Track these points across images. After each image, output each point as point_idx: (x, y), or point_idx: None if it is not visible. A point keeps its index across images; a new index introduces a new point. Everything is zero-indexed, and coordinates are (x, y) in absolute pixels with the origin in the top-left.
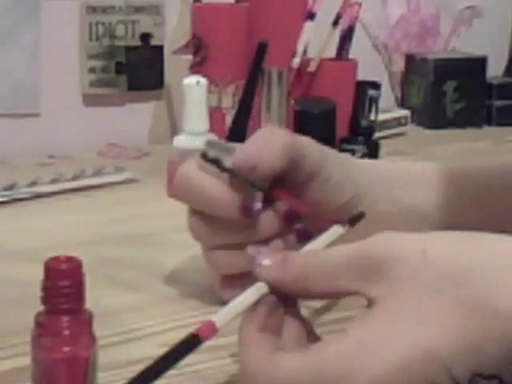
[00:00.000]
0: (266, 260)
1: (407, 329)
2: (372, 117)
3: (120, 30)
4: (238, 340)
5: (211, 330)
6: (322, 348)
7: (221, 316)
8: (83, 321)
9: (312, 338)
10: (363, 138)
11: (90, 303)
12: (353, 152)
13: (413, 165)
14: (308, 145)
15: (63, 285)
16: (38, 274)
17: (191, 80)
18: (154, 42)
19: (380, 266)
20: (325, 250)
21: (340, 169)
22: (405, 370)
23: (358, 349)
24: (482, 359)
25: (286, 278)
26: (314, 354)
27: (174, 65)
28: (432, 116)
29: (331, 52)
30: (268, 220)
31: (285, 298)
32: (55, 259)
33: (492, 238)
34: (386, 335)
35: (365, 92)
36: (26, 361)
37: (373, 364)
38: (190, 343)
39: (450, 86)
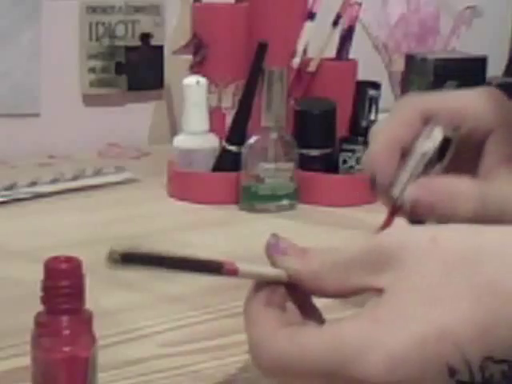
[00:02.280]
0: (285, 248)
1: (421, 308)
2: (372, 117)
3: (120, 30)
4: (244, 316)
5: (234, 269)
6: (336, 324)
7: (244, 266)
8: (83, 321)
9: (313, 312)
10: (363, 138)
11: (89, 303)
12: (353, 152)
13: None
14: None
15: (63, 285)
16: (38, 274)
17: (191, 80)
18: (154, 42)
19: (389, 257)
20: (339, 247)
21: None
22: (420, 348)
23: (375, 325)
24: (494, 343)
25: (302, 271)
26: (330, 329)
27: (174, 65)
28: None
29: (331, 52)
30: None
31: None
32: (55, 259)
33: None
34: (401, 314)
35: (365, 92)
36: (26, 361)
37: (390, 340)
38: (212, 266)
39: (450, 86)
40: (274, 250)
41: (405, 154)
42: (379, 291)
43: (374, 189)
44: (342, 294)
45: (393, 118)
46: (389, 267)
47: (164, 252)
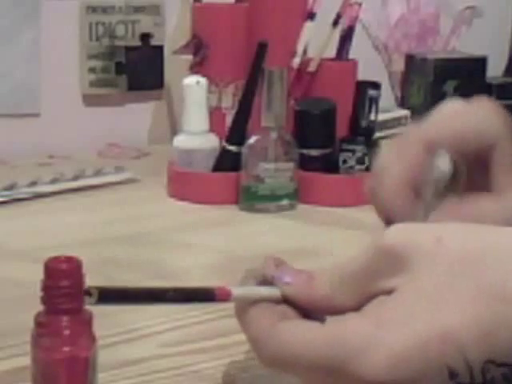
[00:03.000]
0: (290, 279)
1: (425, 310)
2: (372, 117)
3: (120, 30)
4: (238, 317)
5: (226, 293)
6: (339, 321)
7: (239, 290)
8: (83, 321)
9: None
10: (363, 138)
11: None
12: (353, 152)
13: None
14: None
15: (63, 285)
16: (38, 274)
17: (191, 80)
18: (154, 42)
19: (397, 259)
20: (343, 261)
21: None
22: (422, 349)
23: (379, 325)
24: (497, 345)
25: (314, 297)
26: (333, 325)
27: (174, 65)
28: None
29: (331, 52)
30: None
31: None
32: (55, 259)
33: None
34: (405, 314)
35: (365, 92)
36: (26, 361)
37: (392, 340)
38: (204, 294)
39: (449, 86)
40: (280, 282)
41: (416, 190)
42: (389, 292)
43: None
44: (359, 307)
45: (399, 156)
46: (397, 269)
47: (150, 288)
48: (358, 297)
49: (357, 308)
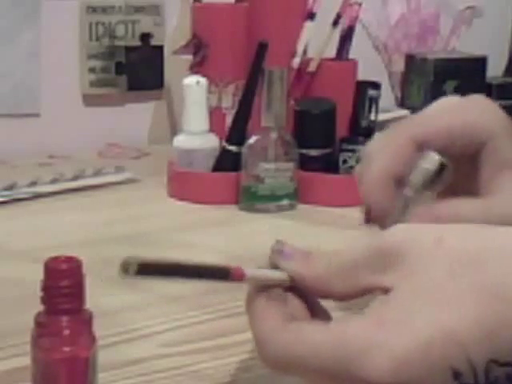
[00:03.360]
0: (290, 251)
1: (426, 310)
2: (372, 117)
3: (120, 30)
4: (248, 313)
5: (241, 274)
6: (342, 323)
7: (250, 270)
8: (83, 321)
9: (317, 307)
10: (363, 138)
11: (89, 303)
12: (353, 152)
13: None
14: None
15: (63, 285)
16: (38, 274)
17: (191, 80)
18: (154, 42)
19: (395, 256)
20: (343, 248)
21: None
22: (425, 350)
23: (380, 326)
24: (499, 345)
25: (308, 275)
26: (336, 327)
27: (174, 65)
28: None
29: (331, 52)
30: None
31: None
32: (55, 259)
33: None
34: (407, 315)
35: (365, 92)
36: (26, 361)
37: (395, 341)
38: (220, 272)
39: (449, 86)
40: (278, 256)
41: (399, 183)
42: (386, 290)
43: (368, 221)
44: (349, 296)
45: (386, 147)
46: (395, 266)
47: (171, 260)
48: (349, 286)
49: (345, 297)
